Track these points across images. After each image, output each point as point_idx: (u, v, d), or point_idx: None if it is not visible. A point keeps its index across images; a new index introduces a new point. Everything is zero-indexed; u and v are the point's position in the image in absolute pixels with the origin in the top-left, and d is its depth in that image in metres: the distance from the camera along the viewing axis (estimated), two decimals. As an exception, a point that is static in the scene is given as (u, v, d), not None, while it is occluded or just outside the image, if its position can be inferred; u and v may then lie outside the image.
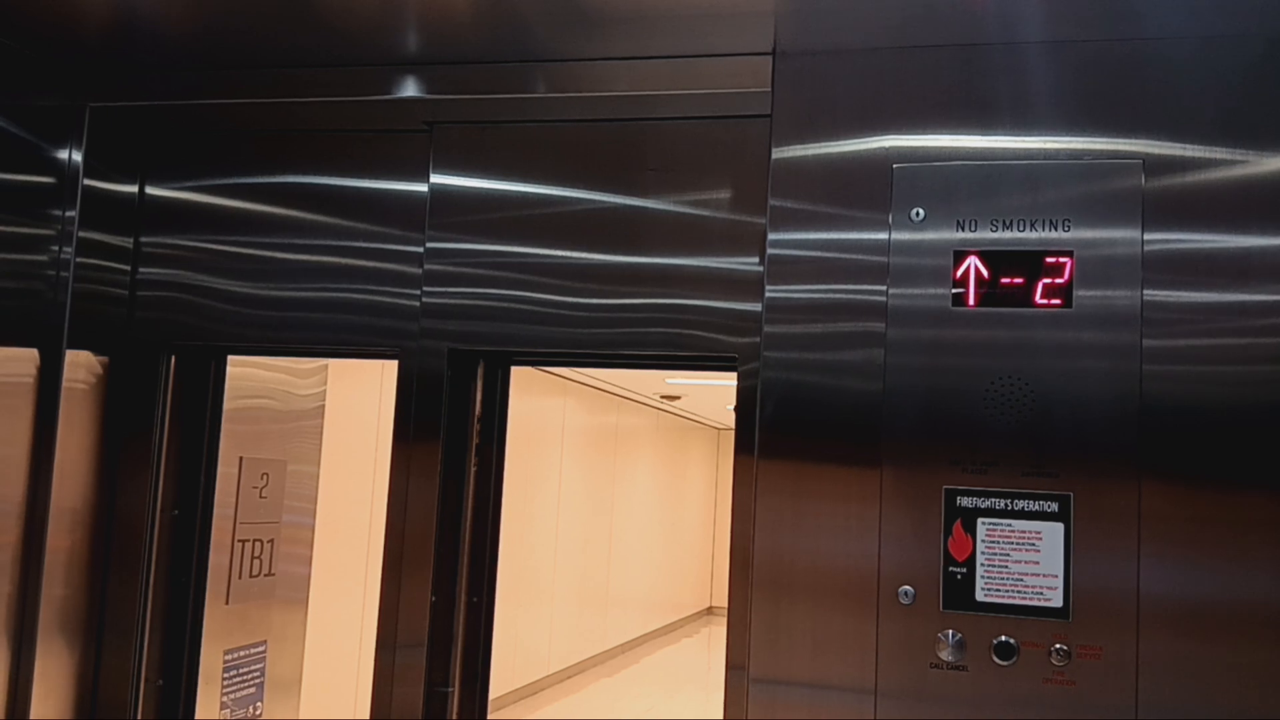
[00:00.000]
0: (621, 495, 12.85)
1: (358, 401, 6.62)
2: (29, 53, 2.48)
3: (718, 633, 15.63)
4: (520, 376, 2.72)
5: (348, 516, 6.56)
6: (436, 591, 2.50)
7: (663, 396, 12.90)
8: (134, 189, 2.75)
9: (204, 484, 2.82)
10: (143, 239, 2.76)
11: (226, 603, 2.89)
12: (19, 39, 2.43)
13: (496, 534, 2.70)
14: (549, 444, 10.38)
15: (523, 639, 9.86)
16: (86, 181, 2.60)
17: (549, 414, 10.38)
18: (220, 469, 2.85)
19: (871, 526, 2.05)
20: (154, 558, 2.71)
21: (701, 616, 17.30)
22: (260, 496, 3.00)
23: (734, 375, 2.40)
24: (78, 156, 2.58)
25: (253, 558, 2.99)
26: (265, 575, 3.05)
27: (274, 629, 3.11)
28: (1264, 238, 1.95)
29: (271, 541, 3.06)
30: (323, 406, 3.32)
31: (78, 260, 2.58)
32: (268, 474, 3.02)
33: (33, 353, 2.50)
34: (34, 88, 2.51)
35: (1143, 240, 2.00)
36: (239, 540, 2.93)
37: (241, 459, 2.92)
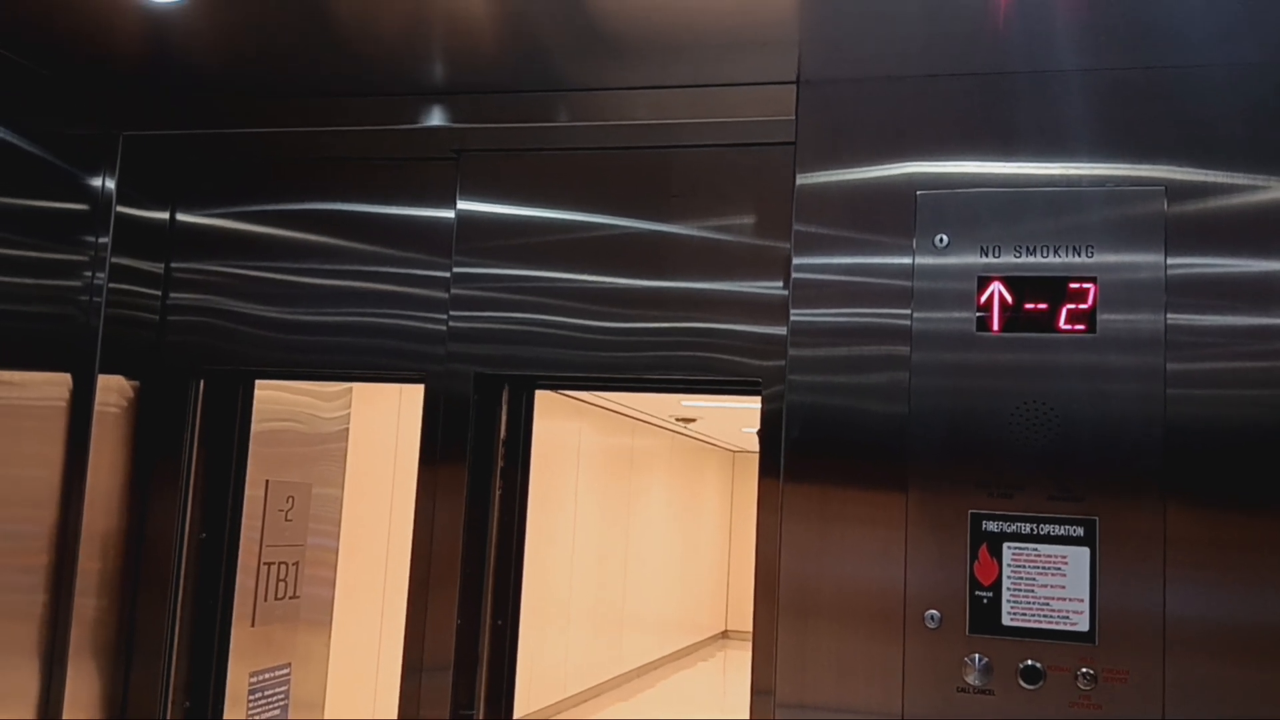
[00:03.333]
0: (637, 518, 12.84)
1: (376, 425, 6.65)
2: (64, 82, 2.52)
3: (733, 656, 15.57)
4: (536, 399, 2.75)
5: (367, 538, 6.58)
6: (462, 615, 2.52)
7: (678, 419, 12.91)
8: (165, 215, 2.79)
9: (231, 507, 2.84)
10: (173, 264, 2.79)
11: (252, 625, 2.91)
12: (55, 68, 2.48)
13: (521, 557, 2.72)
14: (565, 466, 10.39)
15: (539, 662, 9.84)
16: (119, 208, 2.64)
17: (565, 436, 10.40)
18: (247, 490, 2.87)
19: (897, 550, 2.06)
20: (182, 580, 2.73)
21: (717, 640, 17.23)
22: (286, 519, 3.03)
23: (751, 398, 2.41)
24: (111, 184, 2.62)
25: (278, 580, 3.01)
26: (290, 598, 3.07)
27: (298, 651, 3.13)
28: (1287, 263, 1.96)
29: (296, 564, 3.09)
30: (347, 430, 3.34)
31: (110, 285, 2.61)
32: (293, 497, 3.05)
33: (65, 377, 2.53)
34: (69, 117, 2.56)
35: (1166, 265, 2.01)
36: (264, 563, 2.95)
37: (268, 482, 2.94)
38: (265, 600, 2.96)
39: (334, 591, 3.33)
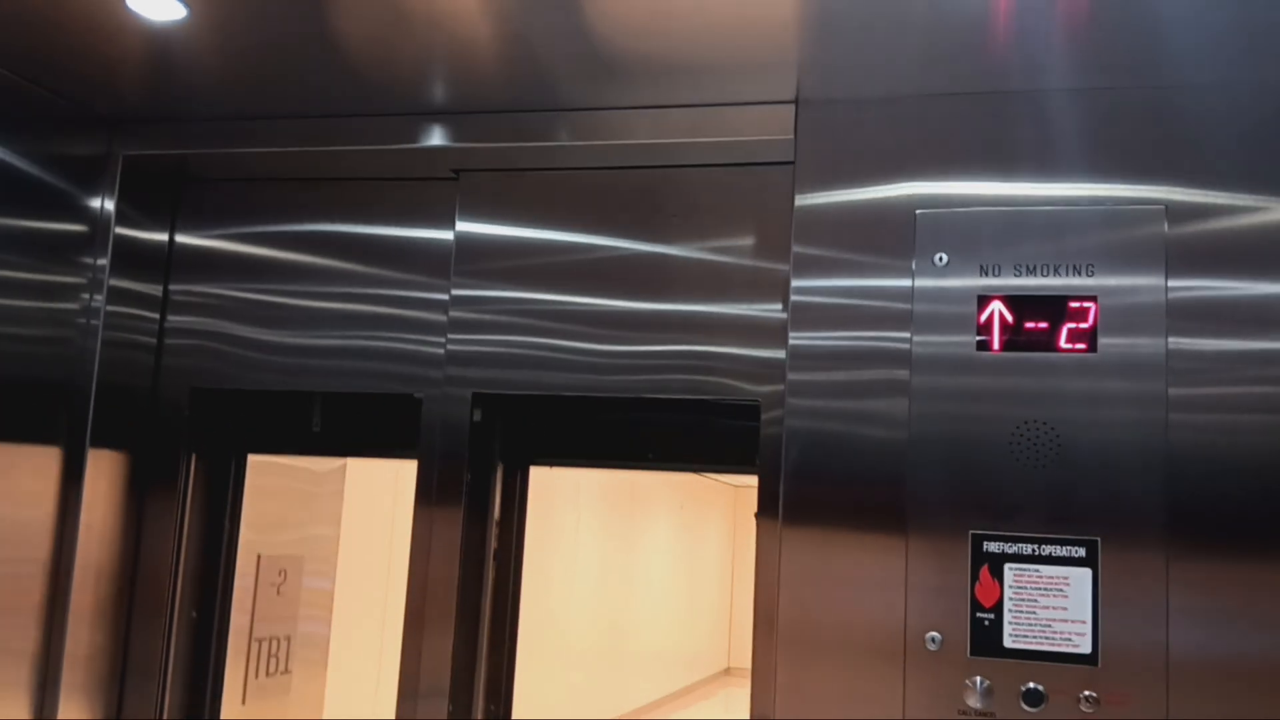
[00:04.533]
0: (638, 555, 12.76)
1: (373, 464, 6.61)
2: (63, 102, 2.53)
3: (736, 694, 15.41)
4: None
5: (364, 576, 6.53)
6: (454, 702, 2.48)
7: (680, 454, 12.84)
8: (164, 237, 2.78)
9: (223, 583, 2.80)
10: (171, 286, 2.78)
11: (243, 703, 2.84)
12: (54, 88, 2.48)
13: (517, 605, 2.71)
14: (565, 503, 10.34)
15: (538, 702, 9.74)
16: (118, 229, 2.63)
17: (564, 473, 10.35)
18: (240, 547, 2.82)
19: (898, 573, 2.03)
20: (176, 611, 2.70)
21: (719, 678, 17.07)
22: (277, 594, 2.96)
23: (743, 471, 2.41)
24: (110, 204, 2.62)
25: (269, 656, 2.95)
26: (282, 673, 2.99)
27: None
28: (1289, 284, 1.95)
29: (289, 639, 3.01)
30: (344, 466, 3.29)
31: (108, 308, 2.60)
32: (285, 570, 2.99)
33: (54, 451, 2.51)
34: (68, 137, 2.56)
35: (1166, 287, 2.00)
36: (255, 639, 2.89)
37: (260, 557, 2.87)
38: (256, 678, 2.89)
39: (330, 629, 3.27)
